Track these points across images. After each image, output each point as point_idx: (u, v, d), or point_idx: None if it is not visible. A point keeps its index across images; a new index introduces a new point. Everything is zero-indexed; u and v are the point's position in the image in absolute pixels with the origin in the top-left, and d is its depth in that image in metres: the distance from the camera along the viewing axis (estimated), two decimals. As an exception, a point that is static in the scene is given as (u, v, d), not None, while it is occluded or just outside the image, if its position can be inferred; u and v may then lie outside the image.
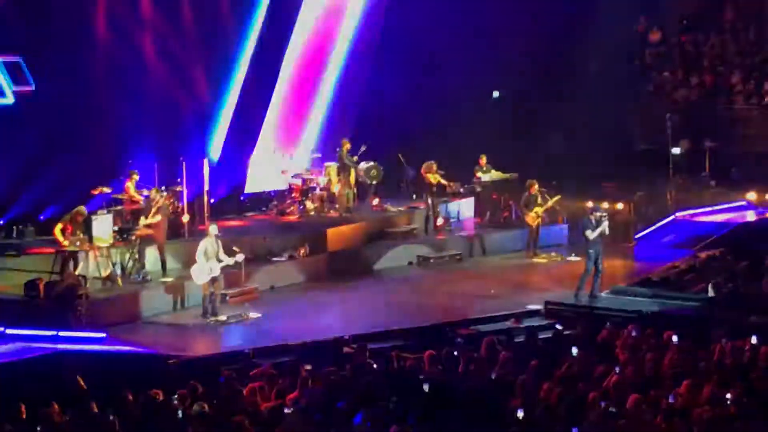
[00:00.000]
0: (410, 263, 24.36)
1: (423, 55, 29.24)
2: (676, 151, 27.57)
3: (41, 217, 23.23)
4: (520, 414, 11.92)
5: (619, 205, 25.49)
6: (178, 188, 23.08)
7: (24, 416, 12.70)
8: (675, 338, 15.39)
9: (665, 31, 32.03)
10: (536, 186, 24.33)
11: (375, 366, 14.68)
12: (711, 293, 19.73)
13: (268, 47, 27.21)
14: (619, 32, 31.38)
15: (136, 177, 22.41)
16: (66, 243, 19.62)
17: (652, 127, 28.80)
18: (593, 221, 20.07)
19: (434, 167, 25.25)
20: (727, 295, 19.57)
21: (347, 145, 25.81)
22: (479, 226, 26.33)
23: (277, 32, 27.44)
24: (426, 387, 13.07)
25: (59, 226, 19.80)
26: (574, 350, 14.83)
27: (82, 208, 20.16)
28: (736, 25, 31.20)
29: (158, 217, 20.90)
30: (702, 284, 20.46)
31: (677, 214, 25.37)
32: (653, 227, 25.21)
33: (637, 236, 25.14)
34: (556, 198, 24.27)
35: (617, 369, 13.66)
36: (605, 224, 20.08)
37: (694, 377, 13.13)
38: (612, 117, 29.45)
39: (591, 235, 19.98)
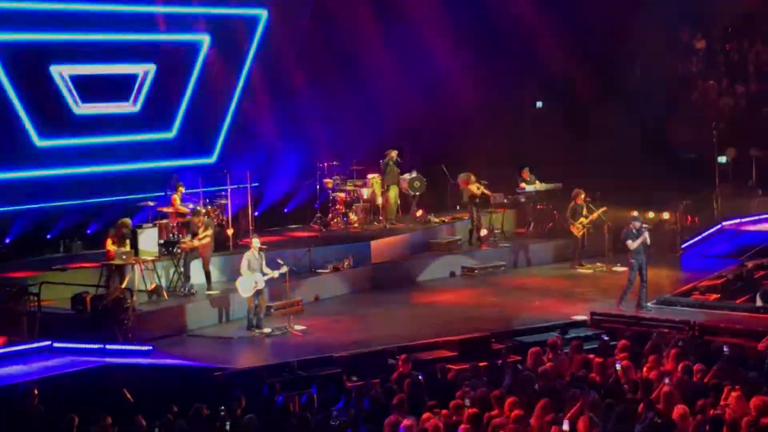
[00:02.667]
0: (452, 274, 24.32)
1: (465, 65, 29.20)
2: (722, 159, 27.35)
3: (88, 231, 23.41)
4: (566, 426, 11.82)
5: (665, 215, 25.31)
6: (223, 201, 23.20)
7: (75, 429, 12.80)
8: (725, 348, 15.25)
9: (709, 38, 31.79)
10: (582, 196, 24.20)
11: (420, 377, 14.65)
12: (759, 302, 19.54)
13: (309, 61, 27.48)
14: (662, 41, 31.18)
15: (182, 189, 22.50)
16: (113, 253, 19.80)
17: (698, 135, 28.56)
18: (634, 231, 19.97)
19: (472, 177, 25.19)
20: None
21: (391, 156, 25.83)
22: (524, 236, 26.30)
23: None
24: (467, 401, 13.00)
25: (109, 240, 19.98)
26: (620, 361, 14.70)
27: (127, 220, 20.32)
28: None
29: (207, 239, 20.99)
30: (750, 293, 20.26)
31: (724, 223, 25.13)
32: (700, 237, 24.99)
33: (683, 246, 24.94)
34: (601, 209, 24.11)
35: (665, 380, 13.53)
36: (646, 234, 19.97)
37: (742, 387, 12.99)
38: (656, 126, 29.26)
39: (632, 245, 19.88)
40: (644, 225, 20.19)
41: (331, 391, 14.24)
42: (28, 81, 23.04)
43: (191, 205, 22.36)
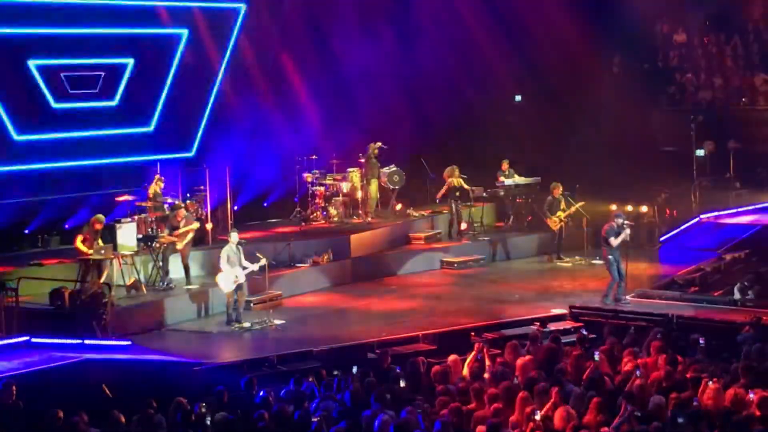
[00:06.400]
0: (432, 268, 24.32)
1: (445, 58, 29.21)
2: (700, 152, 27.43)
3: (66, 226, 23.31)
4: (537, 416, 11.87)
5: (643, 208, 25.38)
6: (202, 195, 23.15)
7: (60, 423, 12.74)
8: (702, 340, 15.32)
9: (689, 31, 31.84)
10: (560, 189, 24.27)
11: (399, 371, 14.66)
12: (736, 296, 19.63)
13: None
14: (642, 33, 31.22)
15: (161, 184, 22.44)
16: (90, 252, 19.65)
17: (676, 128, 28.64)
18: (615, 227, 20.02)
19: (457, 171, 25.25)
20: (752, 297, 19.47)
21: (374, 150, 25.83)
22: (503, 230, 26.36)
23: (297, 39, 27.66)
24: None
25: (79, 237, 19.82)
26: (599, 354, 14.75)
27: (100, 216, 20.18)
28: (759, 26, 30.98)
29: (190, 236, 20.91)
30: (727, 286, 20.35)
31: (702, 216, 25.21)
32: (678, 230, 25.07)
33: (661, 239, 25.03)
34: (579, 204, 24.16)
35: (642, 372, 13.58)
36: (627, 231, 20.06)
37: (720, 379, 13.05)
38: (635, 119, 29.30)
39: (614, 242, 19.94)
40: (626, 222, 20.24)
41: (311, 386, 14.23)
42: (6, 75, 23.01)
43: (170, 199, 22.28)
